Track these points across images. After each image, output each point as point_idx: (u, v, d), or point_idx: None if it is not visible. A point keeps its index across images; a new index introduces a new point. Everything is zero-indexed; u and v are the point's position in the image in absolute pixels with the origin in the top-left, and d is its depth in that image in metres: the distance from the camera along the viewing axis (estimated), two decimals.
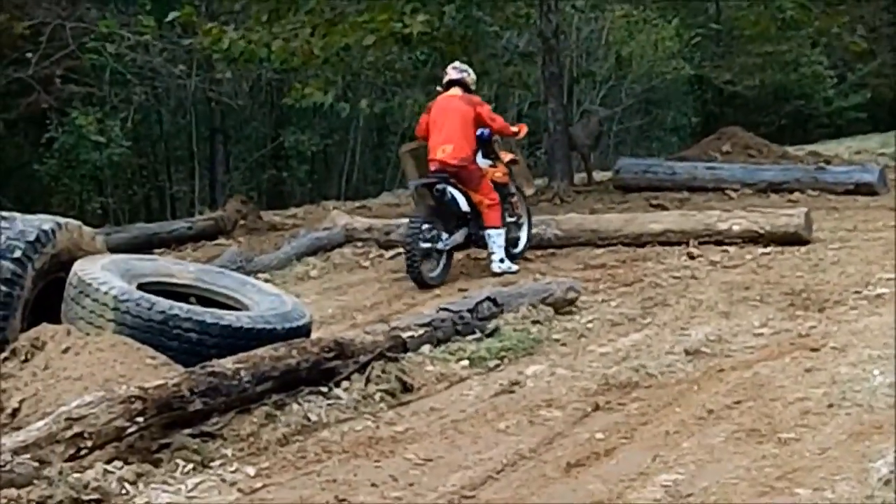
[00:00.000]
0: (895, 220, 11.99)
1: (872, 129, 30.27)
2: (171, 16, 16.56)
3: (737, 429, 5.83)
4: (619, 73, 28.18)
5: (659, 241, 11.68)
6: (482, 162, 11.28)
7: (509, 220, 11.49)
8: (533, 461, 5.54)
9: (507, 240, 11.28)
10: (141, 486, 5.16)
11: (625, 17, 25.55)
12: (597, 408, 6.39)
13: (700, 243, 11.44)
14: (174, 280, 7.57)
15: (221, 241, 15.07)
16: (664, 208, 14.22)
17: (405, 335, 7.38)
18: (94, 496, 4.98)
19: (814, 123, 33.67)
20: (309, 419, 6.14)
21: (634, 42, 27.38)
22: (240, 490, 5.21)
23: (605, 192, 16.75)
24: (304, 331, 7.24)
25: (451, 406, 6.56)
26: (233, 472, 5.42)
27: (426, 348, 7.48)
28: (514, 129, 11.65)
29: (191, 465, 5.42)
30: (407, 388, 6.84)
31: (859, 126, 32.34)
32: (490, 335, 7.97)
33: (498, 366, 7.46)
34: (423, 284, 10.69)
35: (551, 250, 11.99)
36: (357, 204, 18.98)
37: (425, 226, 10.83)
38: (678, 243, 11.54)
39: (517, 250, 11.57)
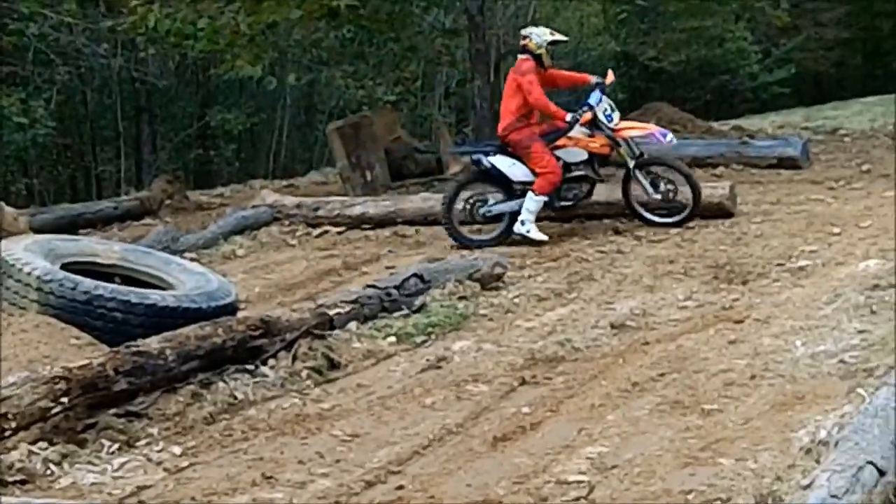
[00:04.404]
0: None
1: (797, 104, 30.61)
2: None
3: (661, 401, 5.89)
4: None
5: (586, 213, 11.74)
6: (578, 130, 11.24)
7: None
8: (460, 436, 5.57)
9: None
10: (66, 466, 5.13)
11: None
12: (523, 382, 6.43)
13: (626, 216, 11.53)
14: (99, 260, 7.54)
15: (148, 221, 14.94)
16: None
17: (332, 312, 7.37)
18: (19, 477, 4.94)
19: (739, 98, 33.96)
20: (235, 397, 6.14)
21: (561, 19, 27.45)
22: (166, 469, 5.20)
23: None
24: (231, 309, 7.24)
25: (378, 382, 6.58)
26: (159, 451, 5.40)
27: (353, 325, 7.46)
28: (553, 109, 11.26)
29: (116, 445, 5.39)
30: (334, 365, 6.84)
31: (784, 100, 32.67)
32: (417, 311, 7.99)
33: (425, 342, 7.47)
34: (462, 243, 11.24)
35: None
36: (285, 183, 18.89)
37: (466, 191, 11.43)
38: (605, 216, 11.61)
39: (676, 219, 11.30)
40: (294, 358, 6.71)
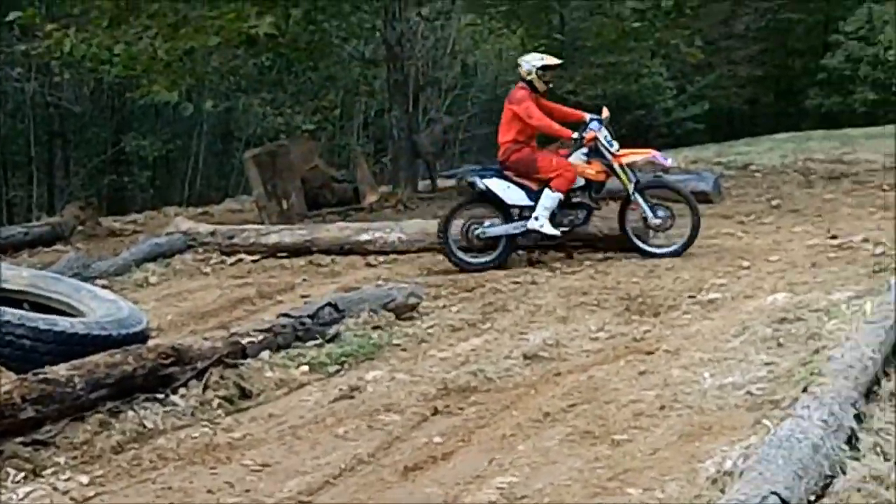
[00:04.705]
0: None
1: (710, 139, 31.10)
2: (12, 15, 16.14)
3: (571, 431, 5.92)
4: (465, 81, 28.45)
5: None
6: (575, 156, 11.38)
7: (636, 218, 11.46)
8: (371, 466, 5.55)
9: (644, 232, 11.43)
10: None
11: (470, 25, 25.79)
12: (435, 412, 6.43)
13: (542, 248, 11.62)
14: (7, 286, 7.43)
15: (59, 247, 14.77)
16: None
17: (244, 341, 7.33)
18: None
19: (654, 133, 34.44)
20: (144, 426, 6.07)
21: (480, 51, 27.66)
22: (73, 499, 5.13)
23: (449, 199, 16.81)
24: (142, 337, 7.17)
25: (290, 412, 6.55)
26: (66, 480, 5.32)
27: (266, 354, 7.42)
28: (557, 128, 11.45)
29: (22, 474, 5.31)
30: (245, 395, 6.79)
31: (697, 136, 33.20)
32: (331, 340, 7.97)
33: (338, 371, 7.45)
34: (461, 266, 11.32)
35: (394, 256, 12.05)
36: (199, 210, 18.78)
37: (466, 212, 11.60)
38: (519, 247, 11.68)
39: (674, 248, 11.33)
40: (205, 387, 6.66)
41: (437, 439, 5.92)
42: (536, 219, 11.22)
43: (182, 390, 6.55)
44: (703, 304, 8.94)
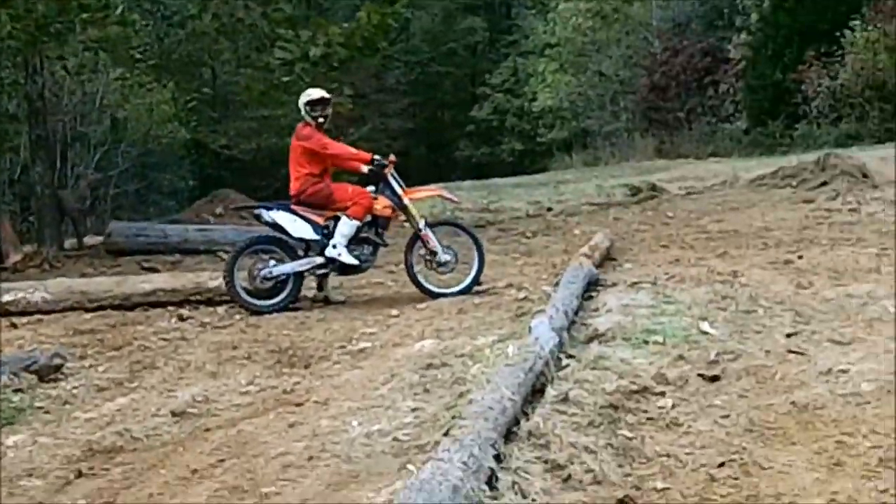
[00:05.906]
0: None
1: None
2: None
3: (220, 486, 5.87)
4: (115, 136, 27.91)
5: (150, 301, 11.66)
6: (369, 189, 11.37)
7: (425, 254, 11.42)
8: None
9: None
10: None
11: (119, 80, 25.35)
12: (80, 474, 6.28)
13: (192, 303, 11.51)
14: None
15: None
16: (156, 271, 14.16)
17: None
18: None
19: None
20: None
21: (130, 105, 27.21)
22: None
23: (97, 256, 16.44)
24: None
25: None
26: None
27: None
28: (355, 152, 11.56)
29: None
30: None
31: None
32: None
33: None
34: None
35: (38, 316, 11.64)
36: None
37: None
38: (169, 303, 11.55)
39: (461, 287, 11.31)
40: None
41: (81, 502, 5.80)
42: (334, 247, 11.23)
43: None
44: (354, 353, 9.06)
